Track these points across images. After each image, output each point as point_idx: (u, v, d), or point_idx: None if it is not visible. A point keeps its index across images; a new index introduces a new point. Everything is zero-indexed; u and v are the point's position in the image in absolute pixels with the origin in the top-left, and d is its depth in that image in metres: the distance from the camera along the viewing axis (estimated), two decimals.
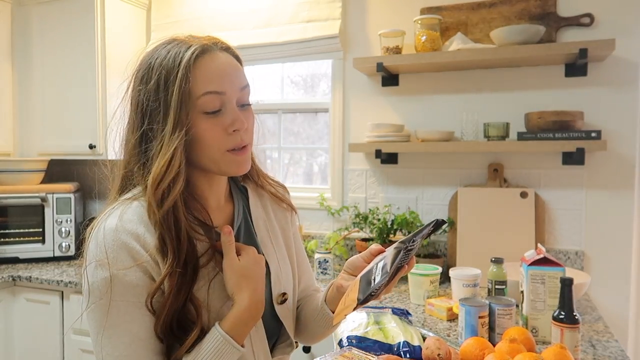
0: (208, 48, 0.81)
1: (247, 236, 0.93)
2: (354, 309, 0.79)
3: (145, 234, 0.78)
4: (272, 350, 0.92)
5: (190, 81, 0.77)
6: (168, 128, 0.77)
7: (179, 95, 0.76)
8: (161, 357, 0.78)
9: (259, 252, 0.93)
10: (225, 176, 0.89)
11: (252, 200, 0.97)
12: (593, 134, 1.76)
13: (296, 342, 1.00)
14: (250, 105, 0.86)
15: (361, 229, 2.17)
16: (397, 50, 2.06)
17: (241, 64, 0.88)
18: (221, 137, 0.80)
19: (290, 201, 1.04)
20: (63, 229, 2.37)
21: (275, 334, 0.95)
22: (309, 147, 2.55)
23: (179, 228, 0.78)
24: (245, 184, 1.00)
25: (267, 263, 0.92)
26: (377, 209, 2.18)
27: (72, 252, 2.39)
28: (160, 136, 0.78)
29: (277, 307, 0.92)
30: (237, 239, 0.91)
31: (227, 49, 0.86)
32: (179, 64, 0.77)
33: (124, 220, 0.78)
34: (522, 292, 1.39)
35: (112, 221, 0.78)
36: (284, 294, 0.94)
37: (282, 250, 0.97)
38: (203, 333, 0.78)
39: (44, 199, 2.33)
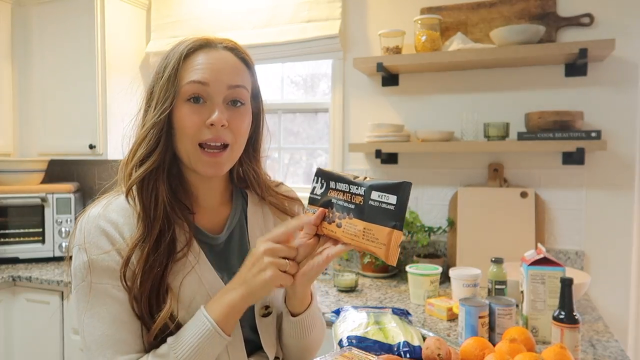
0: (209, 44, 0.84)
1: (239, 243, 0.92)
2: (397, 245, 0.75)
3: (123, 226, 0.81)
4: (248, 356, 0.90)
5: (179, 70, 0.81)
6: (151, 109, 0.82)
7: (167, 79, 0.81)
8: (141, 340, 0.80)
9: None
10: (205, 176, 0.86)
11: (250, 206, 0.96)
12: (593, 134, 1.76)
13: (277, 358, 0.96)
14: (242, 105, 0.85)
15: None
16: (397, 50, 2.06)
17: (249, 67, 0.88)
18: (197, 127, 0.81)
19: (297, 214, 1.01)
20: (63, 229, 2.37)
21: (253, 345, 0.92)
22: (309, 147, 2.55)
23: (157, 206, 0.80)
24: (248, 190, 0.98)
25: None
26: None
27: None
28: (146, 117, 0.83)
29: (258, 320, 0.91)
30: (228, 244, 0.91)
31: (233, 49, 0.86)
32: (176, 54, 0.82)
33: (108, 210, 0.82)
34: (522, 292, 1.39)
35: (96, 209, 0.82)
36: (267, 307, 0.92)
37: None
38: (172, 319, 0.79)
39: (44, 199, 2.33)
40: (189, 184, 0.88)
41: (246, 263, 0.80)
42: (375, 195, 0.77)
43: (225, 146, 0.82)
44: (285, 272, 0.77)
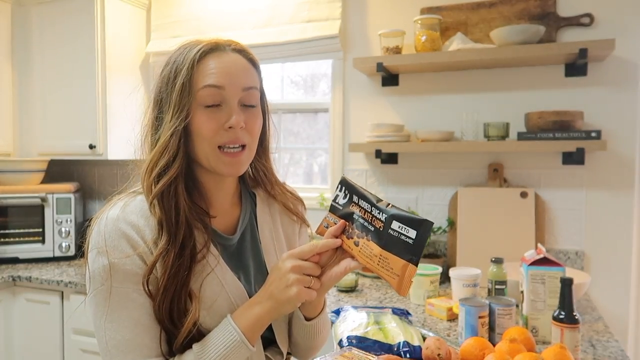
0: (218, 47, 0.85)
1: (251, 242, 0.94)
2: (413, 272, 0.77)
3: (145, 227, 0.80)
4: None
5: (193, 75, 0.81)
6: (168, 117, 0.81)
7: (181, 86, 0.80)
8: (162, 344, 0.80)
9: (262, 260, 0.93)
10: (224, 176, 0.88)
11: (259, 207, 0.97)
12: (593, 134, 1.76)
13: (289, 354, 0.99)
14: (254, 107, 0.86)
15: None
16: (397, 50, 2.06)
17: (256, 67, 0.89)
18: (215, 131, 0.81)
19: (302, 214, 1.03)
20: (63, 229, 2.37)
21: (267, 342, 0.94)
22: (309, 147, 2.55)
23: (178, 213, 0.80)
24: (256, 190, 0.99)
25: (267, 272, 0.92)
26: None
27: (72, 252, 2.39)
28: (163, 125, 0.82)
29: None
30: (241, 244, 0.92)
31: (241, 51, 0.87)
32: (187, 59, 0.82)
33: (126, 212, 0.81)
34: (522, 292, 1.39)
35: (114, 211, 0.82)
36: None
37: None
38: (195, 325, 0.79)
39: (44, 199, 2.33)
40: (203, 187, 0.89)
41: (272, 277, 0.81)
42: (395, 225, 0.78)
43: (243, 147, 0.84)
44: (309, 287, 0.79)
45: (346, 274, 0.83)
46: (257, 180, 0.99)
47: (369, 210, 0.82)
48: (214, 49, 0.84)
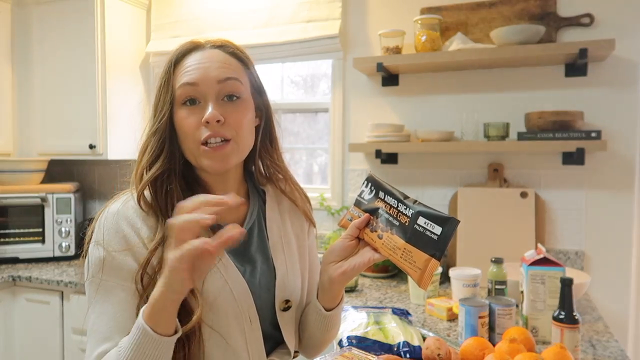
0: (197, 46, 0.86)
1: (258, 238, 0.93)
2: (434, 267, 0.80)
3: (142, 225, 0.81)
4: (268, 353, 0.91)
5: (172, 75, 0.84)
6: (152, 118, 0.85)
7: (161, 87, 0.84)
8: None
9: (269, 256, 0.93)
10: (214, 173, 0.87)
11: (269, 203, 0.97)
12: (593, 134, 1.75)
13: (296, 352, 0.98)
14: (239, 98, 0.85)
15: None
16: (397, 50, 2.06)
17: (240, 59, 0.88)
18: (195, 127, 0.82)
19: (309, 213, 1.03)
20: (63, 229, 2.37)
21: (273, 341, 0.93)
22: (309, 147, 2.55)
23: (173, 211, 0.77)
24: (265, 187, 0.99)
25: (274, 268, 0.92)
26: None
27: (72, 252, 2.39)
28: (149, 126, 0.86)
29: (279, 314, 0.91)
30: (247, 240, 0.92)
31: (221, 46, 0.87)
32: (167, 63, 0.85)
33: (127, 207, 0.83)
34: (522, 292, 1.39)
35: (116, 206, 0.83)
36: (288, 301, 0.92)
37: (293, 258, 0.96)
38: (198, 324, 0.78)
39: (44, 199, 2.33)
40: (207, 186, 0.89)
41: None
42: (421, 221, 0.80)
43: (227, 140, 0.83)
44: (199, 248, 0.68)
45: (369, 265, 0.84)
46: (269, 177, 0.98)
47: (395, 206, 0.84)
48: (192, 48, 0.86)
